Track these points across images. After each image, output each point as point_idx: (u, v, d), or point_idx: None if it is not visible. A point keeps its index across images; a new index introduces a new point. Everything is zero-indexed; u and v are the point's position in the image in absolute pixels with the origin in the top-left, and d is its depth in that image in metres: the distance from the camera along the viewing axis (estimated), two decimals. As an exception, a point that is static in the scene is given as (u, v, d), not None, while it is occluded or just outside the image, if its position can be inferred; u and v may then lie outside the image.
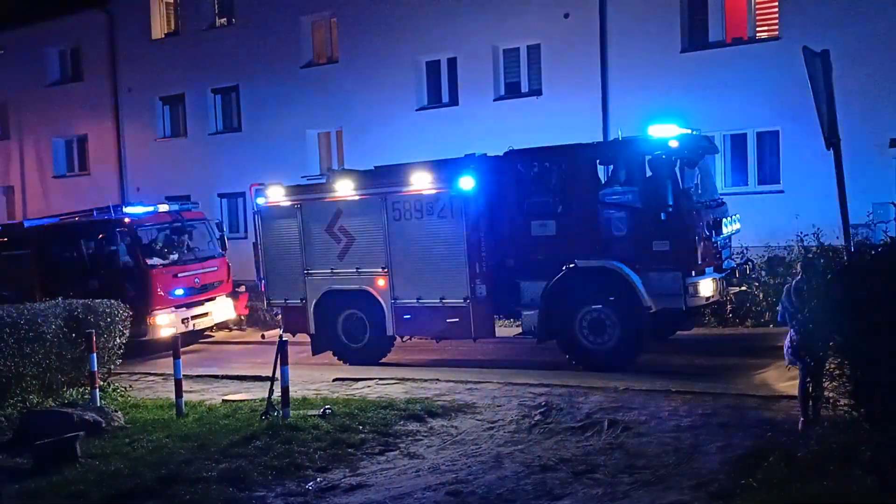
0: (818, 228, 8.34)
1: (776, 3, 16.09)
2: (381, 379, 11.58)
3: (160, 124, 24.51)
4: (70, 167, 26.77)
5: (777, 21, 16.05)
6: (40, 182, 26.75)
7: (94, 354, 10.74)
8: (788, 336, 8.14)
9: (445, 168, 12.52)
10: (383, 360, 13.24)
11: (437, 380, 11.24)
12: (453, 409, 9.71)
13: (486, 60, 18.95)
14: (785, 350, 8.25)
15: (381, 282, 12.92)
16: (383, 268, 12.87)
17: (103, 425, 9.57)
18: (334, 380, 11.86)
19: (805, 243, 8.67)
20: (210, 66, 22.82)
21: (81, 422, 9.35)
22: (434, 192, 12.35)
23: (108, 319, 11.85)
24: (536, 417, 9.16)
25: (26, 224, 17.93)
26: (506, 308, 12.55)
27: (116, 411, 10.20)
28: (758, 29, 16.46)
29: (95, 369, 10.74)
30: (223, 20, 23.37)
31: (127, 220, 16.03)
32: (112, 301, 12.19)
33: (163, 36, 24.38)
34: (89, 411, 9.82)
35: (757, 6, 16.43)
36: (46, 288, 15.24)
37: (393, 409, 9.67)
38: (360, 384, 11.42)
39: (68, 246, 16.60)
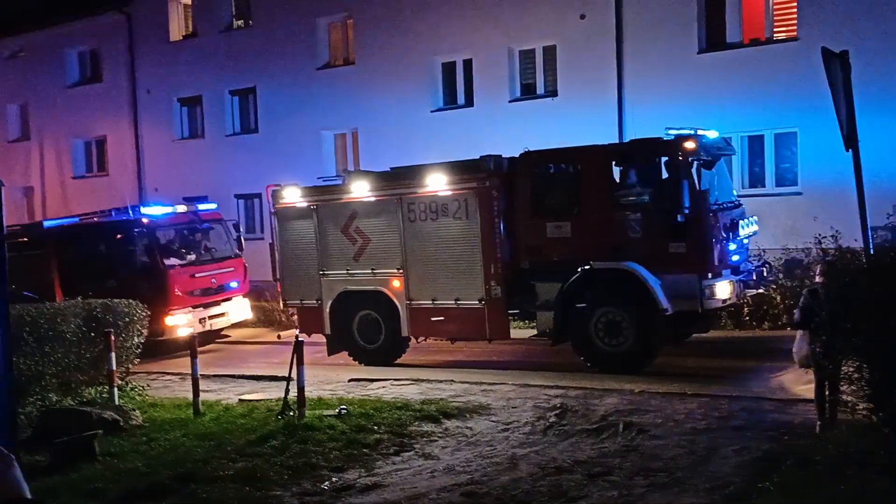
0: (837, 230, 8.26)
1: (794, 4, 15.95)
2: (396, 380, 11.61)
3: (178, 125, 24.67)
4: (89, 168, 26.98)
5: (795, 21, 15.92)
6: (60, 183, 27.00)
7: (113, 353, 10.84)
8: (797, 338, 8.04)
9: (461, 169, 12.54)
10: (398, 360, 13.27)
11: (452, 381, 11.26)
12: (468, 410, 9.71)
13: (502, 62, 18.93)
14: (794, 353, 8.12)
15: (396, 283, 12.95)
16: (398, 269, 12.89)
17: (121, 424, 9.65)
18: (350, 380, 11.91)
19: (823, 245, 8.59)
20: (227, 67, 22.96)
21: (100, 420, 9.44)
22: (449, 193, 12.38)
23: (127, 319, 11.94)
24: (551, 419, 9.13)
25: (45, 224, 18.09)
26: (521, 309, 12.54)
27: (134, 410, 10.28)
28: (776, 29, 16.32)
29: (114, 368, 10.83)
30: (240, 22, 23.50)
31: (145, 220, 16.16)
32: (130, 301, 12.29)
33: (181, 38, 24.54)
34: (107, 410, 9.90)
35: (775, 7, 16.29)
36: (66, 288, 15.39)
37: (408, 409, 9.69)
38: (376, 385, 11.46)
39: (87, 246, 16.74)
